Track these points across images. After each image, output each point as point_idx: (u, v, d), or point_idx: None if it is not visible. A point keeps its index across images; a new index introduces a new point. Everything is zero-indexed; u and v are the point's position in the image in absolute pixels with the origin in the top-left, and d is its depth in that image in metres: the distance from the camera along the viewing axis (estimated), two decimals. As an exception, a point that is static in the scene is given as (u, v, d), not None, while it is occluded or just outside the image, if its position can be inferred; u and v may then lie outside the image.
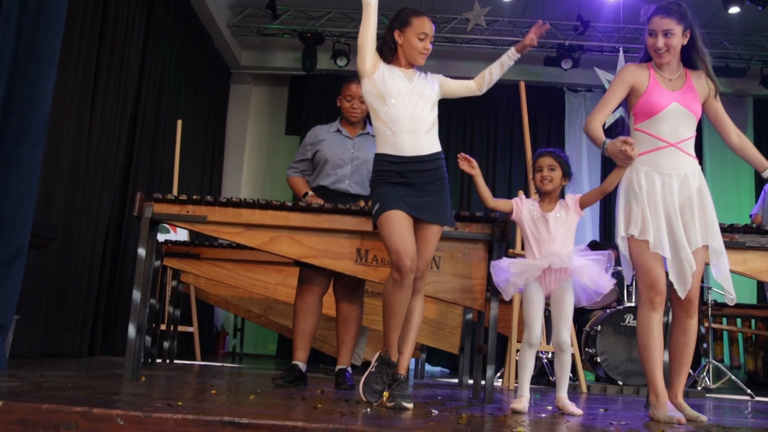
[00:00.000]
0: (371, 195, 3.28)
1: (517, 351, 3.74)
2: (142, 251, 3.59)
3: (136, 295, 3.55)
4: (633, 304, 6.08)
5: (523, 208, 3.33)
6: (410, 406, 2.82)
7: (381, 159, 3.20)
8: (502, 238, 3.58)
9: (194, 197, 3.60)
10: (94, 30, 5.77)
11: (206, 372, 4.86)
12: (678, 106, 3.08)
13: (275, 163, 10.33)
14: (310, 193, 4.01)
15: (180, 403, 2.35)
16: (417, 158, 3.14)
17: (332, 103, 9.80)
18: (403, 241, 3.02)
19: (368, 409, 2.71)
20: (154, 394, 2.80)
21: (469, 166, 3.33)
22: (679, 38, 3.10)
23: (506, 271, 3.22)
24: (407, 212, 3.08)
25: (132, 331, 3.51)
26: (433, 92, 3.25)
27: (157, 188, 7.33)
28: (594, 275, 3.14)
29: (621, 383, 5.76)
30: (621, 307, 6.07)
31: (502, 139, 9.94)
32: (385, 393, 2.93)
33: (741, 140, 3.27)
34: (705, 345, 7.26)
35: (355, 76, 3.99)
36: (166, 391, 2.98)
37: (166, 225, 7.01)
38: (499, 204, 3.39)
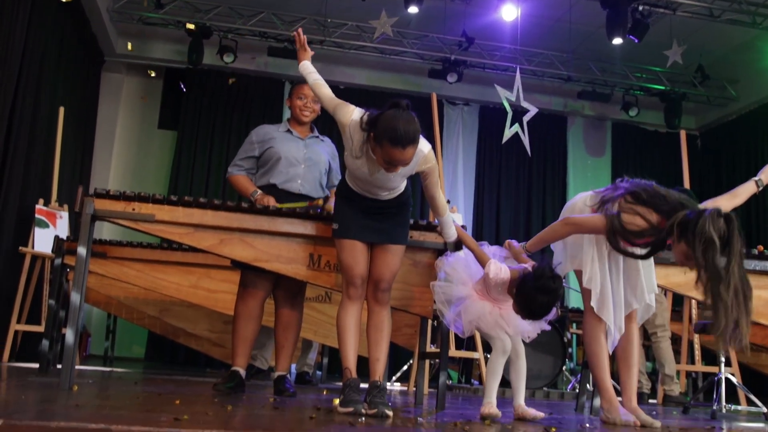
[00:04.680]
0: (335, 203, 3.28)
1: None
2: (82, 250, 3.33)
3: (75, 298, 3.27)
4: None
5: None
6: (390, 413, 2.81)
7: (347, 186, 3.21)
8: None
9: (141, 194, 3.38)
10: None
11: (122, 378, 4.51)
12: None
13: (146, 158, 9.84)
14: (259, 191, 3.83)
15: (186, 417, 2.22)
16: (380, 201, 3.21)
17: (213, 99, 9.61)
18: (355, 262, 3.15)
19: (363, 419, 2.68)
20: (131, 407, 2.61)
21: None
22: None
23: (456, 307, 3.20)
24: (365, 239, 3.17)
25: (70, 337, 3.23)
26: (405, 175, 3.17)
27: (34, 179, 6.78)
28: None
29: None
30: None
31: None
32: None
33: (732, 202, 3.32)
34: (570, 350, 7.75)
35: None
36: (131, 402, 2.80)
37: (44, 219, 6.55)
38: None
